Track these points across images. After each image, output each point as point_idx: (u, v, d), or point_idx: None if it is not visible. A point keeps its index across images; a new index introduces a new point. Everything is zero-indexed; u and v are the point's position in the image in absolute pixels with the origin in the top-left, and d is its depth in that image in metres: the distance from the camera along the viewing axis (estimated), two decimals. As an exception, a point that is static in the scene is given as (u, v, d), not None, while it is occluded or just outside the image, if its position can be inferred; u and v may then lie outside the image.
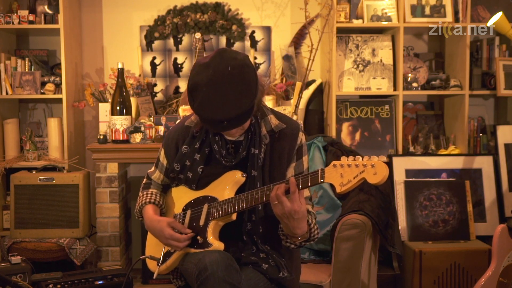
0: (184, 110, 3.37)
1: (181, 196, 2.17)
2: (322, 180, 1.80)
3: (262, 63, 3.88)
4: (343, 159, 1.77)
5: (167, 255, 2.09)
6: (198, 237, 2.01)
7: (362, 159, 1.74)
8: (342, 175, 1.76)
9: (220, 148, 2.05)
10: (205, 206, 2.04)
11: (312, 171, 1.84)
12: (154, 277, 2.11)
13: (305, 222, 1.90)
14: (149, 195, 2.21)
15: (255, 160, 2.02)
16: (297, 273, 2.18)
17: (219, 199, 2.03)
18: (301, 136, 2.07)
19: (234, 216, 2.01)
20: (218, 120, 1.85)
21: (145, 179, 2.30)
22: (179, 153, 2.12)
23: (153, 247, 2.20)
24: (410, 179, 3.48)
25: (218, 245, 1.97)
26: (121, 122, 3.41)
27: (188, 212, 2.10)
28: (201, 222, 2.03)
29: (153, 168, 2.27)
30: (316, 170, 1.83)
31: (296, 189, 1.83)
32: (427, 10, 3.66)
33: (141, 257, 2.22)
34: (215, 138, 2.06)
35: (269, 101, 3.53)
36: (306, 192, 2.07)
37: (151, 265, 2.19)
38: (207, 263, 1.87)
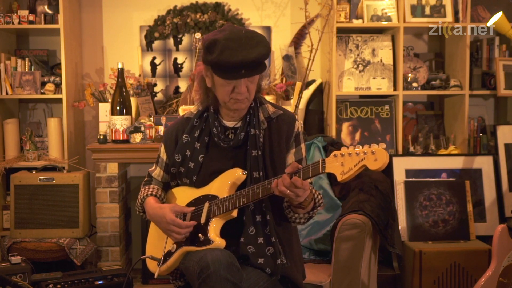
0: (184, 110, 3.37)
1: (182, 196, 2.17)
2: (323, 171, 1.82)
3: (262, 63, 3.87)
4: (343, 149, 1.79)
5: (167, 255, 2.09)
6: (200, 235, 2.01)
7: (362, 148, 1.75)
8: (342, 164, 1.77)
9: (219, 132, 2.09)
10: (206, 204, 2.05)
11: (313, 162, 1.86)
12: (155, 277, 2.11)
13: (308, 191, 1.95)
14: (151, 189, 2.23)
15: (256, 140, 2.05)
16: (298, 265, 2.16)
17: (219, 197, 2.04)
18: (298, 124, 2.14)
19: (235, 213, 2.01)
20: (239, 63, 1.92)
21: (146, 177, 2.32)
22: (180, 144, 2.15)
23: (154, 247, 2.20)
24: (410, 179, 3.47)
25: (219, 242, 1.97)
26: (121, 122, 3.41)
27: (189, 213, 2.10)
28: (202, 220, 2.03)
29: (153, 166, 2.29)
30: (317, 161, 1.84)
31: (301, 182, 1.86)
32: (427, 10, 3.66)
33: (141, 257, 2.22)
34: (214, 123, 2.10)
35: (269, 101, 3.53)
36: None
37: (152, 265, 2.19)
38: (209, 261, 1.87)
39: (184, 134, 2.15)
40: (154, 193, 2.21)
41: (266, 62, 2.05)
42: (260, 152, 2.05)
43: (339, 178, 1.77)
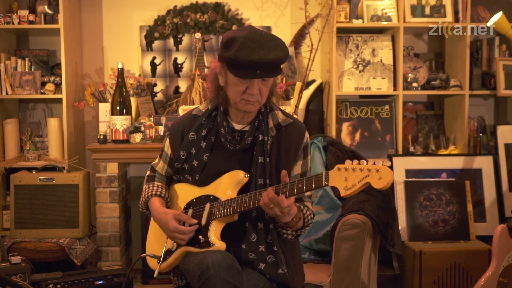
0: (184, 110, 3.37)
1: (183, 194, 2.16)
2: (326, 183, 1.81)
3: (262, 63, 3.87)
4: (347, 163, 1.77)
5: (168, 253, 2.09)
6: (200, 237, 2.01)
7: (367, 163, 1.74)
8: (346, 178, 1.76)
9: (226, 133, 2.08)
10: (207, 206, 2.04)
11: (316, 174, 1.85)
12: (155, 275, 2.11)
13: (295, 209, 1.97)
14: (155, 187, 2.20)
15: (263, 146, 2.04)
16: (298, 272, 2.16)
17: (221, 199, 2.03)
18: (307, 135, 2.13)
19: (236, 216, 2.01)
20: (255, 62, 1.90)
21: (148, 172, 2.30)
22: (185, 141, 2.13)
23: (154, 245, 2.20)
24: (410, 179, 3.47)
25: (220, 244, 1.97)
26: (121, 122, 3.41)
27: (190, 211, 2.10)
28: (203, 222, 2.03)
29: (157, 159, 2.27)
30: (320, 173, 1.83)
31: (283, 196, 1.89)
32: (427, 10, 3.66)
33: (141, 255, 2.22)
34: (223, 123, 2.08)
35: (269, 101, 3.53)
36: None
37: (152, 263, 2.18)
38: (209, 263, 1.87)
39: (190, 131, 2.13)
40: (158, 192, 2.18)
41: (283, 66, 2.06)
42: (268, 159, 2.04)
43: (342, 194, 1.77)
